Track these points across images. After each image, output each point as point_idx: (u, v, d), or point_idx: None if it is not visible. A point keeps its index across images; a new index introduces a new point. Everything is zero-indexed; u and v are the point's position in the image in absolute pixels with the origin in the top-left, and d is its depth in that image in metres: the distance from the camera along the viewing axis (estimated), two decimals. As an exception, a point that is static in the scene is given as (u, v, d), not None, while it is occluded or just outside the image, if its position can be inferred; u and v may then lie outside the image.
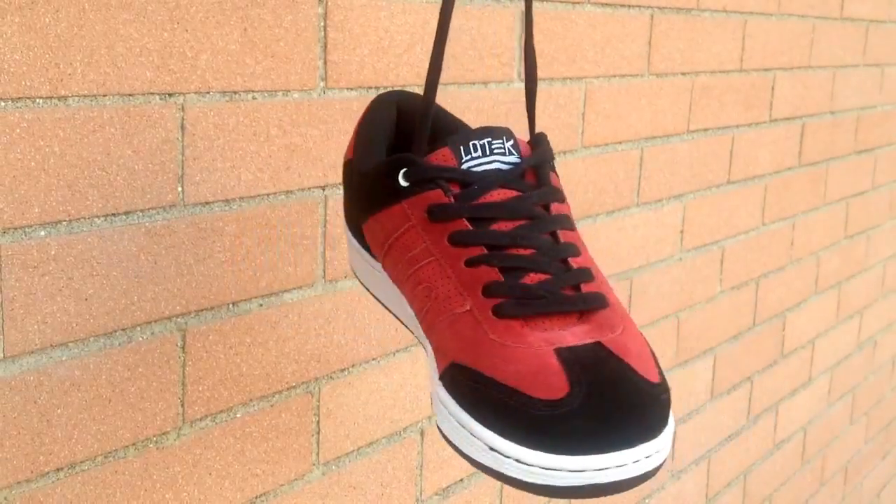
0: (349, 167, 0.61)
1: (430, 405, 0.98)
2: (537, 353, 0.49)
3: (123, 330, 0.70)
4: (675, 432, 0.51)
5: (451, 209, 0.53)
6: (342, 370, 0.88)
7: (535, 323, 0.50)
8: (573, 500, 0.66)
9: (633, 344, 0.50)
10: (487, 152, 0.55)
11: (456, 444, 0.50)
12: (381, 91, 0.87)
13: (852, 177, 1.88)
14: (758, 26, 1.45)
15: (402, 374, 0.95)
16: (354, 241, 0.62)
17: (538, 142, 0.56)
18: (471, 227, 0.53)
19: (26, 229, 0.64)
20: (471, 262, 0.52)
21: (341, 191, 0.85)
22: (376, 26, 0.86)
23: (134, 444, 0.72)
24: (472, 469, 1.06)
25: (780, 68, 1.53)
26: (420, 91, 0.91)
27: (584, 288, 0.52)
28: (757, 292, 1.60)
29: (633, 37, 1.19)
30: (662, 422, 0.48)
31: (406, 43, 0.89)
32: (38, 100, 0.63)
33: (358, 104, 0.85)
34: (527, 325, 0.50)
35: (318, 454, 0.87)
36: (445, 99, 0.94)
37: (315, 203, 0.83)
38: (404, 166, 0.55)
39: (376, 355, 0.92)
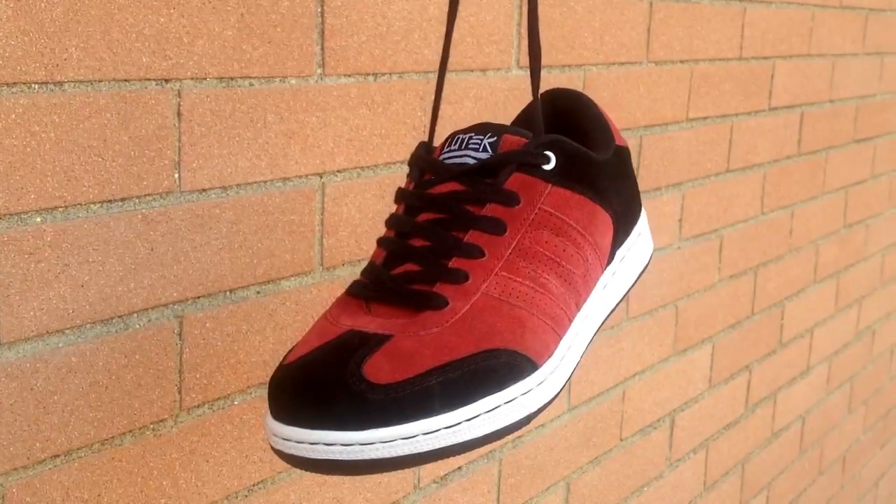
0: None
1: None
2: (332, 328, 0.52)
3: (120, 317, 0.70)
4: (390, 439, 0.50)
5: (401, 194, 0.56)
6: (340, 358, 0.88)
7: (377, 308, 0.53)
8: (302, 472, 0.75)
9: (414, 346, 0.50)
10: (462, 146, 0.56)
11: None
12: (379, 77, 0.86)
13: (851, 166, 1.88)
14: (757, 14, 1.44)
15: (399, 361, 0.95)
16: None
17: (530, 142, 0.56)
18: (400, 214, 0.56)
19: (22, 216, 0.64)
20: (378, 243, 0.56)
21: (339, 178, 0.85)
22: (374, 12, 0.85)
23: (131, 432, 0.72)
24: (470, 457, 1.06)
25: (780, 56, 1.53)
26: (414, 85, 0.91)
27: (438, 287, 0.52)
28: (756, 281, 1.60)
29: (633, 24, 1.19)
30: (361, 419, 0.48)
31: (404, 29, 0.88)
32: (33, 85, 0.63)
33: (356, 91, 0.85)
34: (366, 307, 0.53)
35: (315, 442, 0.87)
36: (443, 87, 0.93)
37: (312, 190, 0.83)
38: (414, 152, 0.58)
39: (374, 343, 0.91)
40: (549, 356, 0.53)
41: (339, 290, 0.87)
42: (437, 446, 0.49)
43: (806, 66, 1.62)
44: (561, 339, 0.55)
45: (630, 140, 1.23)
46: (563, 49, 1.08)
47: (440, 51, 0.92)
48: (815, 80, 1.66)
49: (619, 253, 0.62)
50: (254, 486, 0.82)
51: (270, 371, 0.82)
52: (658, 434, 1.41)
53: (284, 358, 0.52)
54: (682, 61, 1.30)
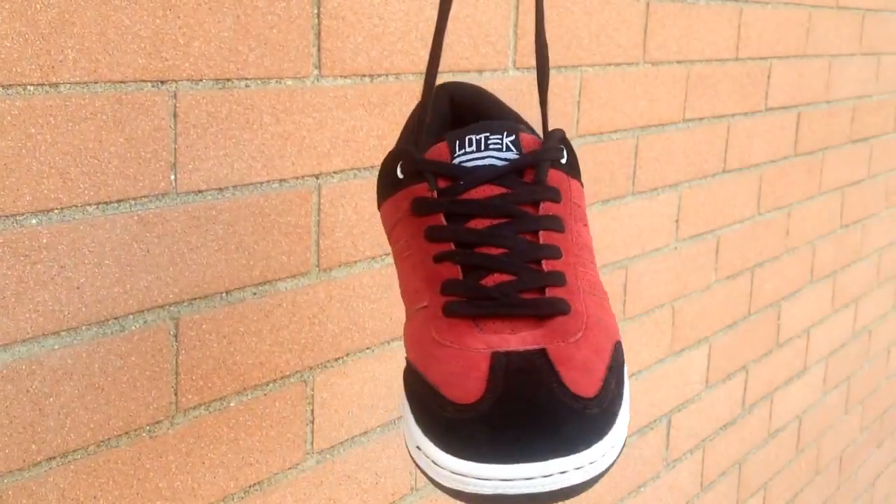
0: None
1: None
2: (470, 355, 0.48)
3: (116, 318, 0.70)
4: (621, 447, 0.49)
5: (430, 204, 0.52)
6: (336, 359, 0.88)
7: (486, 325, 0.49)
8: None
9: (581, 354, 0.48)
10: (482, 147, 0.53)
11: (406, 438, 0.51)
12: (376, 79, 0.86)
13: (848, 166, 1.88)
14: (753, 15, 1.44)
15: (396, 363, 0.95)
16: None
17: (550, 138, 0.55)
18: (445, 223, 0.52)
19: (17, 217, 0.63)
20: (438, 259, 0.51)
21: (335, 179, 0.85)
22: (370, 13, 0.85)
23: (127, 434, 0.72)
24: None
25: (776, 57, 1.53)
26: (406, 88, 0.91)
27: (549, 292, 0.50)
28: (752, 281, 1.60)
29: (629, 25, 1.19)
30: (586, 437, 0.46)
31: (400, 30, 0.88)
32: (29, 87, 0.63)
33: (352, 92, 0.85)
34: (475, 326, 0.49)
35: (311, 443, 0.87)
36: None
37: (309, 192, 0.83)
38: (401, 158, 0.54)
39: (370, 344, 0.91)
40: None
41: (336, 292, 0.87)
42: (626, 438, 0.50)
43: (802, 67, 1.62)
44: None
45: (627, 140, 1.23)
46: (560, 50, 1.08)
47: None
48: (811, 80, 1.66)
49: None
50: (250, 487, 0.82)
51: (267, 372, 0.82)
52: (655, 434, 1.41)
53: (439, 405, 0.47)
54: (678, 62, 1.30)
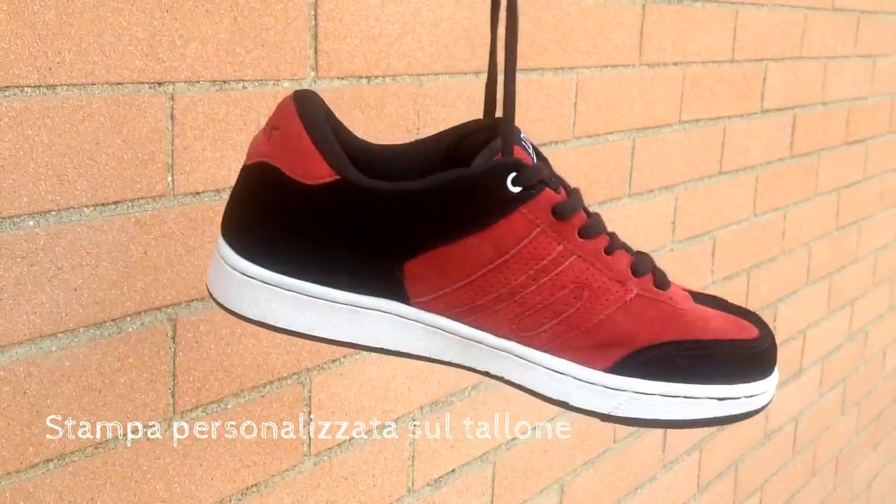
0: (329, 187, 0.52)
1: (421, 395, 0.98)
2: (699, 308, 0.56)
3: (113, 320, 0.70)
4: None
5: (570, 205, 0.53)
6: (334, 361, 0.88)
7: (672, 287, 0.57)
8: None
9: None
10: (529, 147, 0.55)
11: (670, 418, 0.55)
12: (373, 81, 0.86)
13: (843, 168, 1.89)
14: (749, 16, 1.45)
15: (393, 364, 0.95)
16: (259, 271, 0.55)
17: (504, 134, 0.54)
18: (588, 219, 0.54)
19: (15, 219, 0.63)
20: (608, 251, 0.54)
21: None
22: (367, 15, 0.85)
23: (124, 435, 0.72)
24: (464, 460, 1.06)
25: (772, 59, 1.53)
26: (401, 85, 0.91)
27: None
28: (748, 283, 1.60)
29: (625, 27, 1.19)
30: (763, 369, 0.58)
31: (397, 32, 0.88)
32: (26, 88, 0.63)
33: (349, 94, 0.85)
34: (673, 291, 0.56)
35: (309, 445, 0.87)
36: (436, 89, 0.93)
37: (306, 193, 0.83)
38: (513, 171, 0.52)
39: (368, 346, 0.91)
40: None
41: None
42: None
43: (798, 69, 1.62)
44: None
45: (623, 142, 1.23)
46: (556, 52, 1.09)
47: (434, 53, 0.93)
48: (807, 82, 1.66)
49: None
50: (247, 489, 0.82)
51: (264, 374, 0.82)
52: (652, 436, 1.41)
53: (734, 345, 0.56)
54: (674, 64, 1.30)
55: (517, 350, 0.54)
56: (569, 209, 0.53)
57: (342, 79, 0.84)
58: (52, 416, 0.67)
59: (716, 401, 0.55)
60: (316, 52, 0.81)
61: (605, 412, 0.54)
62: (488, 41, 0.99)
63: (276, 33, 0.78)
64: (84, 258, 0.67)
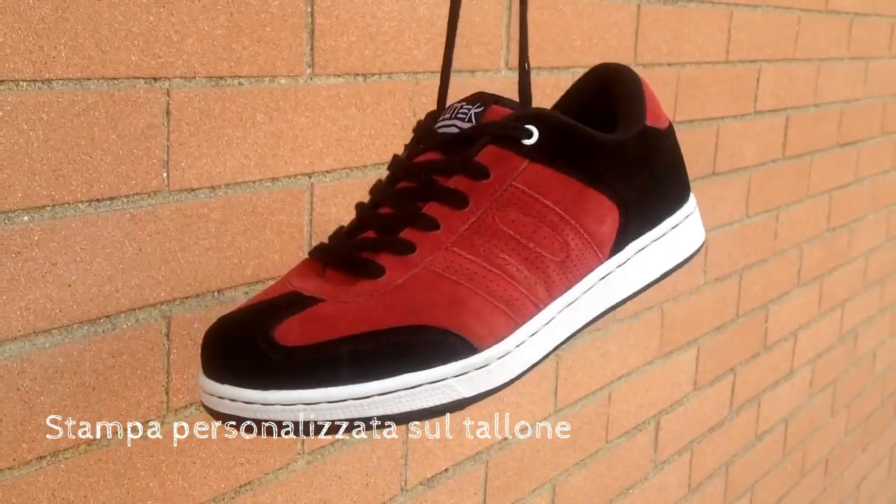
0: None
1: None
2: (279, 287, 0.52)
3: (107, 317, 0.70)
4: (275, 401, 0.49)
5: (390, 162, 0.57)
6: (327, 359, 0.88)
7: (329, 273, 0.53)
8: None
9: (332, 311, 0.49)
10: (453, 115, 0.55)
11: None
12: (369, 78, 0.86)
13: (836, 170, 1.89)
14: (744, 18, 1.45)
15: (387, 363, 0.94)
16: None
17: (511, 115, 0.55)
18: (382, 181, 0.56)
19: (9, 214, 0.63)
20: (355, 208, 0.56)
21: (328, 178, 0.85)
22: (364, 12, 0.85)
23: (117, 433, 0.71)
24: (457, 459, 1.06)
25: (766, 60, 1.54)
26: (407, 80, 0.91)
27: (382, 258, 0.51)
28: (740, 284, 1.61)
29: (620, 27, 1.19)
30: (259, 377, 0.48)
31: (394, 30, 0.88)
32: (21, 83, 0.62)
33: (345, 91, 0.84)
34: (322, 272, 0.53)
35: (302, 443, 0.87)
36: (432, 87, 0.93)
37: (301, 191, 0.82)
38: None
39: (362, 344, 0.91)
40: (497, 341, 0.51)
41: (328, 291, 0.86)
42: (344, 416, 0.47)
43: (791, 70, 1.62)
44: (518, 325, 0.52)
45: (617, 142, 1.23)
46: (552, 51, 1.08)
47: (430, 51, 0.92)
48: (800, 83, 1.66)
49: (635, 244, 0.57)
50: (241, 487, 0.82)
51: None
52: (643, 436, 1.41)
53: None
54: (668, 64, 1.30)
55: None
56: (389, 165, 0.58)
57: (338, 76, 0.84)
58: (52, 416, 0.67)
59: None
60: (312, 48, 0.81)
61: None
62: (485, 40, 0.99)
63: (272, 29, 0.77)
64: (78, 254, 0.67)
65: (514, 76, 1.03)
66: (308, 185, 0.83)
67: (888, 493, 2.61)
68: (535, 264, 0.53)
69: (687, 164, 1.38)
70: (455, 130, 0.54)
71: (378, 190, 0.55)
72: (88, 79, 0.66)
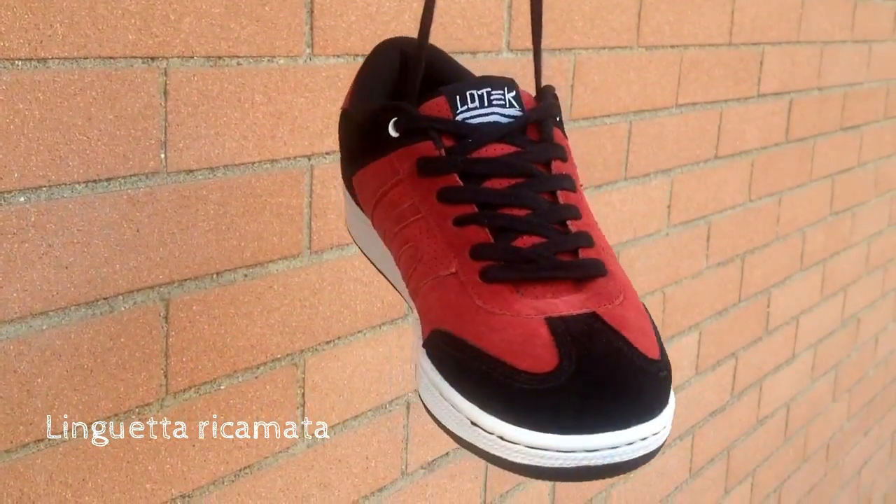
0: (344, 117, 0.57)
1: (416, 378, 0.98)
2: (526, 321, 0.45)
3: (105, 299, 0.69)
4: (674, 412, 0.47)
5: (441, 163, 0.50)
6: (328, 342, 0.87)
7: (526, 289, 0.47)
8: (560, 482, 0.62)
9: (632, 316, 0.46)
10: (486, 103, 0.51)
11: (436, 416, 0.48)
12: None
13: (838, 153, 1.88)
14: (747, 0, 1.44)
15: (388, 346, 0.94)
16: (348, 197, 0.58)
17: (544, 95, 0.53)
18: (461, 184, 0.49)
19: (5, 195, 0.62)
20: (459, 222, 0.49)
21: (328, 160, 0.84)
22: (364, -8, 0.84)
23: (116, 415, 0.71)
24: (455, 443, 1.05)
25: (769, 43, 1.52)
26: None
27: (583, 254, 0.48)
28: (743, 268, 1.60)
29: (623, 8, 1.18)
30: (661, 401, 0.44)
31: (394, 10, 0.87)
32: (17, 62, 0.62)
33: (345, 72, 0.83)
34: (516, 292, 0.47)
35: (302, 427, 0.86)
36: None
37: (301, 172, 0.82)
38: (395, 115, 0.51)
39: (362, 327, 0.91)
40: None
41: (328, 273, 0.86)
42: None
43: (795, 53, 1.61)
44: None
45: (620, 125, 1.22)
46: (554, 32, 1.08)
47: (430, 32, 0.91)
48: (803, 67, 1.65)
49: None
50: (240, 471, 0.81)
51: (258, 355, 0.81)
52: (645, 421, 1.41)
53: (506, 375, 0.44)
54: (672, 46, 1.29)
55: (406, 295, 0.53)
56: (436, 168, 0.49)
57: (338, 56, 0.83)
58: (43, 395, 0.66)
59: (469, 422, 0.45)
60: (312, 28, 0.80)
61: (419, 392, 0.50)
62: (487, 21, 0.98)
63: (271, 9, 0.76)
64: (76, 235, 0.66)
65: (516, 57, 1.03)
66: (307, 166, 0.82)
67: (889, 478, 2.61)
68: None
69: (690, 148, 1.37)
70: (503, 119, 0.51)
71: (482, 193, 0.49)
72: (85, 58, 0.65)
